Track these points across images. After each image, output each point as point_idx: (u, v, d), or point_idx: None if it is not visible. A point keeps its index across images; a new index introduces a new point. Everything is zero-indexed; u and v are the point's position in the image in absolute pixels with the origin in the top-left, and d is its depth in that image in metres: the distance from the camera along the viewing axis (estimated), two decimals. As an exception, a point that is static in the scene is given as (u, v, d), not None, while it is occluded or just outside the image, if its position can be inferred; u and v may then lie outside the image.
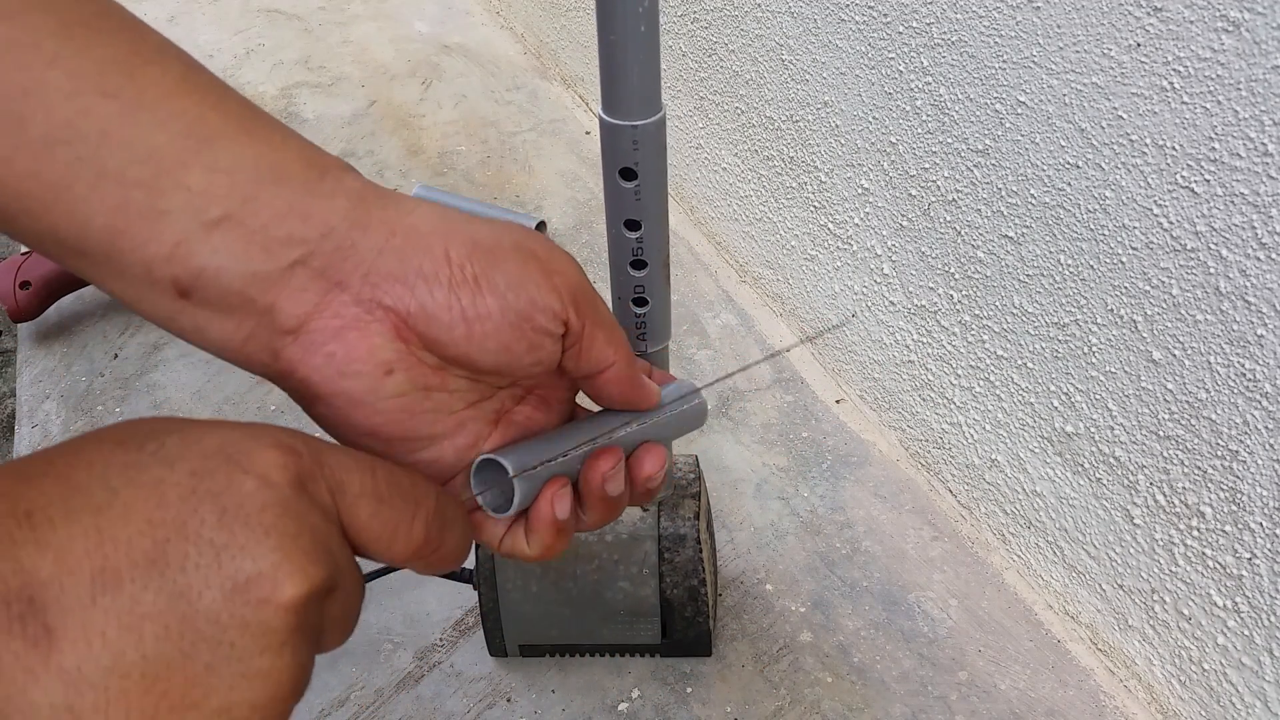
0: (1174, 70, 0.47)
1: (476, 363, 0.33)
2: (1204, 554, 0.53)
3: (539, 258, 0.33)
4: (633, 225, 0.44)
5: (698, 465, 0.59)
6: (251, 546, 0.24)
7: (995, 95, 0.58)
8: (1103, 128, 0.52)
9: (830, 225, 0.77)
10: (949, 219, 0.64)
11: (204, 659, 0.23)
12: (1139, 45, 0.48)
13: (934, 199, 0.65)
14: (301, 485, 0.26)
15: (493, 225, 0.34)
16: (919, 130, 0.64)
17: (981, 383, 0.66)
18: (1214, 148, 0.47)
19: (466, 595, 0.66)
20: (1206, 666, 0.55)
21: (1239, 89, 0.45)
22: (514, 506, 0.36)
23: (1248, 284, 0.47)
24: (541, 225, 0.96)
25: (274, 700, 0.24)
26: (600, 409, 0.40)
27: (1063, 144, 0.54)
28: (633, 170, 0.43)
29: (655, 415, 0.40)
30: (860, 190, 0.72)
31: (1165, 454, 0.54)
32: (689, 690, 0.61)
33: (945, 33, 0.60)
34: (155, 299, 0.30)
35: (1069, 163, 0.54)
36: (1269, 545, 0.50)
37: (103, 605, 0.22)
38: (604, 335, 0.36)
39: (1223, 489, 0.51)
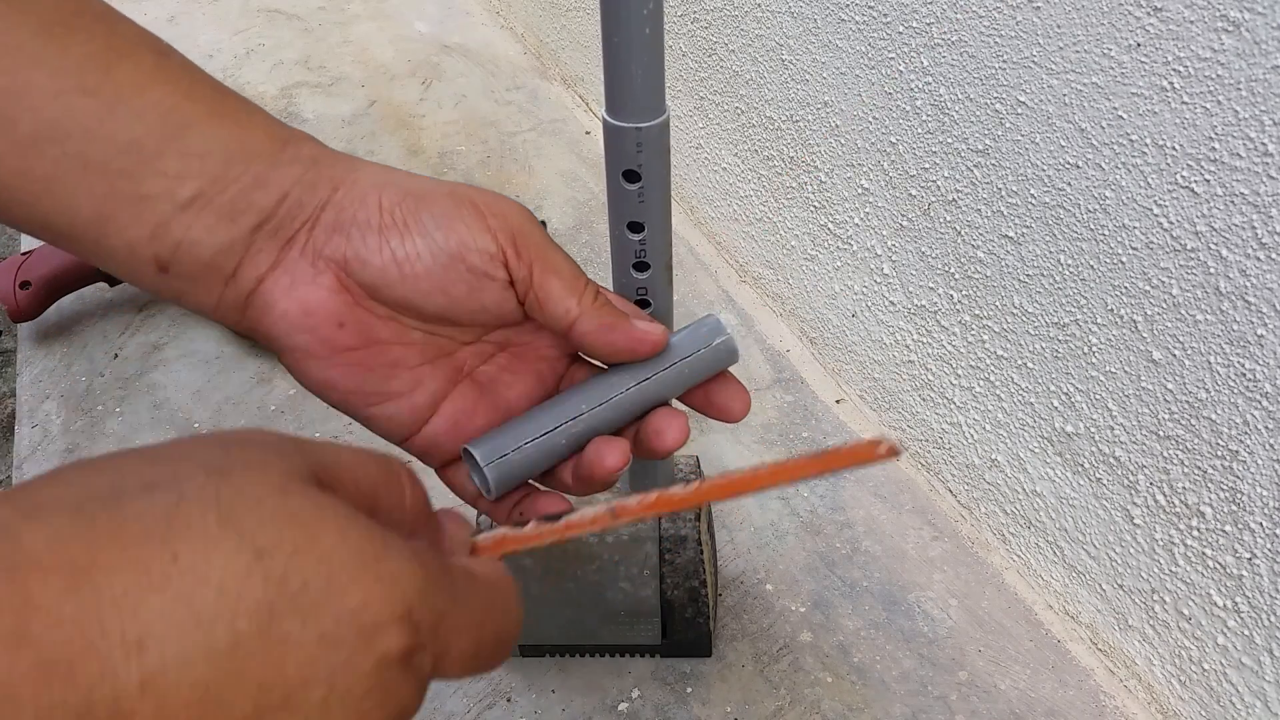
0: (1174, 70, 0.47)
1: (419, 306, 0.34)
2: (1204, 554, 0.54)
3: (474, 202, 0.34)
4: (636, 228, 0.44)
5: (699, 466, 0.59)
6: None
7: (995, 95, 0.58)
8: (1103, 128, 0.52)
9: (830, 225, 0.77)
10: (949, 219, 0.64)
11: None
12: (1139, 45, 0.49)
13: (934, 199, 0.65)
14: (408, 659, 0.24)
15: (436, 179, 0.35)
16: (919, 130, 0.64)
17: (981, 383, 0.66)
18: (1214, 148, 0.47)
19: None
20: (1206, 666, 0.56)
21: (1239, 89, 0.45)
22: (492, 494, 0.36)
23: (1248, 284, 0.47)
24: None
25: None
26: (604, 368, 0.38)
27: (1063, 144, 0.54)
28: (636, 173, 0.43)
29: (660, 371, 0.38)
30: (860, 190, 0.72)
31: (1165, 454, 0.54)
32: (689, 690, 0.61)
33: (945, 33, 0.60)
34: (139, 274, 0.32)
35: (1069, 163, 0.54)
36: (1269, 545, 0.50)
37: None
38: (561, 284, 0.35)
39: (1223, 489, 0.52)
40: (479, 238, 0.33)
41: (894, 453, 0.35)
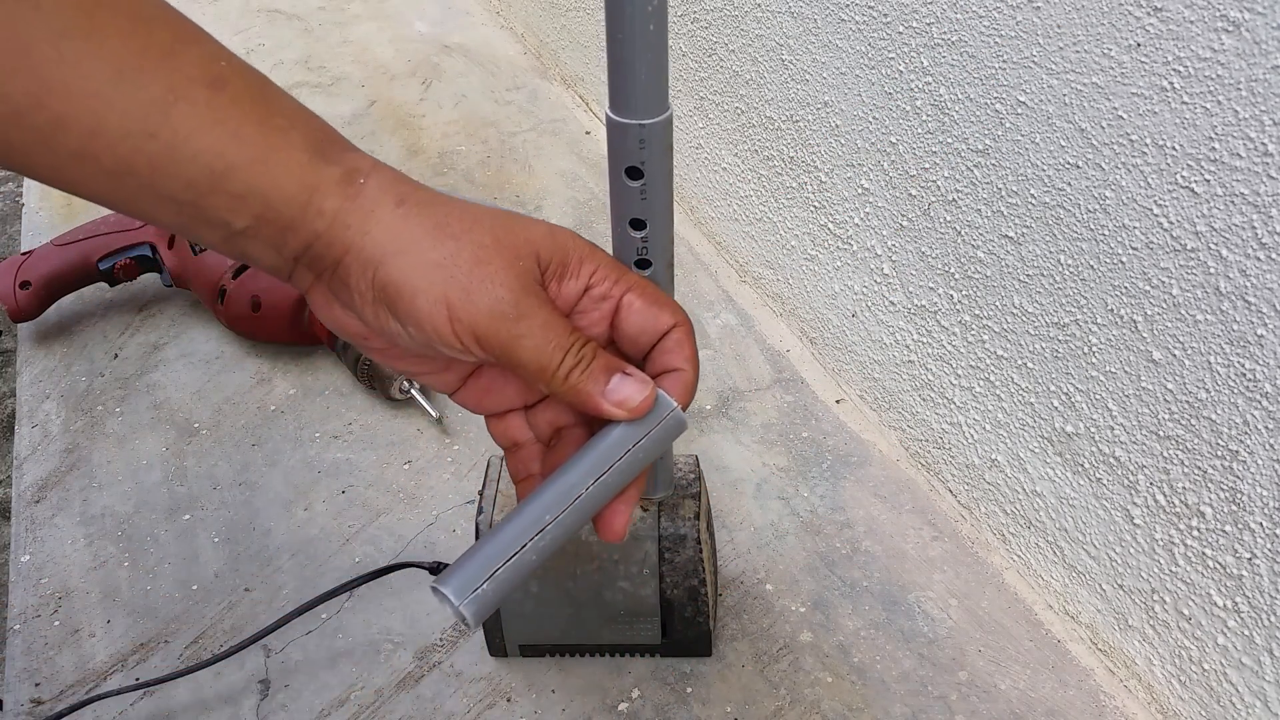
0: (1174, 70, 0.47)
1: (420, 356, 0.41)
2: (1204, 554, 0.54)
3: (447, 299, 0.37)
4: (638, 224, 0.44)
5: (698, 465, 0.59)
6: None
7: (995, 95, 0.58)
8: (1103, 128, 0.52)
9: (830, 225, 0.77)
10: (949, 219, 0.64)
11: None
12: (1139, 45, 0.49)
13: (934, 199, 0.65)
14: None
15: (420, 261, 0.37)
16: (919, 130, 0.64)
17: (981, 383, 0.66)
18: (1214, 148, 0.47)
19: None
20: (1206, 666, 0.56)
21: (1239, 89, 0.45)
22: (471, 627, 0.37)
23: (1248, 284, 0.47)
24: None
25: None
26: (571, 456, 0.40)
27: (1063, 144, 0.54)
28: (639, 169, 0.43)
29: (616, 462, 0.38)
30: (860, 190, 0.72)
31: (1165, 454, 0.54)
32: (689, 690, 0.61)
33: (945, 33, 0.60)
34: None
35: (1069, 163, 0.54)
36: (1269, 545, 0.50)
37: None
38: (528, 372, 0.38)
39: (1223, 489, 0.52)
40: (444, 337, 0.37)
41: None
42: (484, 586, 0.36)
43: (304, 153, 0.36)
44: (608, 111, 0.42)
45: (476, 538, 0.57)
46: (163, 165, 0.35)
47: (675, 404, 0.39)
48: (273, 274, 0.39)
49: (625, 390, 0.38)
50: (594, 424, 0.41)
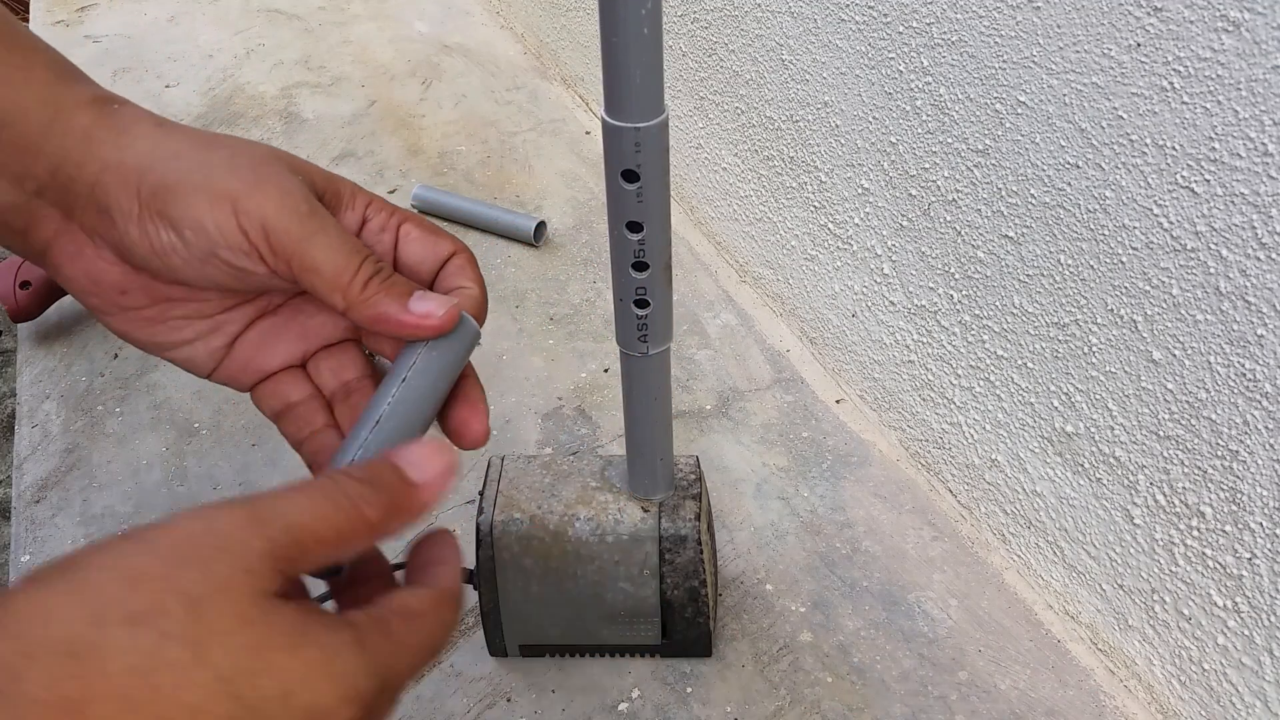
0: (1174, 70, 0.47)
1: (193, 284, 0.35)
2: (1204, 554, 0.54)
3: (230, 194, 0.33)
4: (635, 227, 0.44)
5: (698, 466, 0.59)
6: None
7: (995, 95, 0.58)
8: (1103, 128, 0.52)
9: (830, 225, 0.77)
10: (949, 219, 0.64)
11: None
12: (1139, 45, 0.49)
13: (934, 199, 0.65)
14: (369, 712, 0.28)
15: (196, 161, 0.33)
16: (919, 130, 0.64)
17: (981, 383, 0.66)
18: (1214, 148, 0.47)
19: (466, 595, 0.66)
20: (1206, 666, 0.55)
21: (1239, 89, 0.45)
22: None
23: (1248, 284, 0.47)
24: (541, 225, 0.96)
25: None
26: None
27: (1063, 144, 0.54)
28: (635, 172, 0.43)
29: (407, 372, 0.36)
30: (860, 190, 0.72)
31: (1165, 454, 0.54)
32: (689, 690, 0.61)
33: (945, 33, 0.60)
34: None
35: (1069, 163, 0.54)
36: (1269, 545, 0.50)
37: None
38: (321, 280, 0.34)
39: (1223, 489, 0.51)
40: (229, 236, 0.33)
41: None
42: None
43: (49, 73, 0.33)
44: (603, 114, 0.42)
45: (477, 537, 0.57)
46: None
47: (470, 316, 0.38)
48: (10, 220, 0.34)
49: (428, 304, 0.36)
50: (380, 378, 0.39)
